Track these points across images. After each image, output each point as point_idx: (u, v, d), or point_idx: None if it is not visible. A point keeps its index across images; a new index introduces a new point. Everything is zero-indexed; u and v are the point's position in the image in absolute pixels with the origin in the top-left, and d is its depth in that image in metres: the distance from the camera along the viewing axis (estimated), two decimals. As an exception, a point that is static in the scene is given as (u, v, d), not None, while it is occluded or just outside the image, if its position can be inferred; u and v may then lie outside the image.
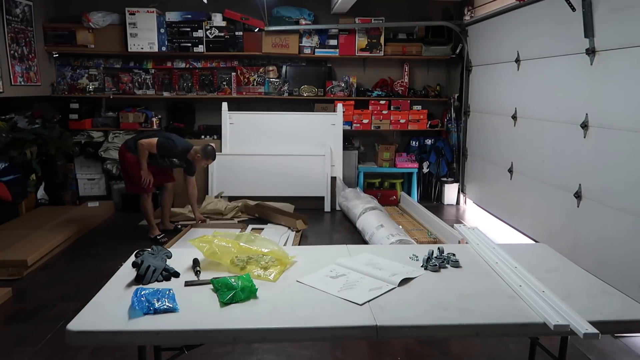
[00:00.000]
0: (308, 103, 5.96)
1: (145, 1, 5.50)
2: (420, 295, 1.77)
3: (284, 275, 1.94)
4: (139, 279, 1.83)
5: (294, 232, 4.62)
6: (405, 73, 6.06)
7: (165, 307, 1.60)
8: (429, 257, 2.05)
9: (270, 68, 5.91)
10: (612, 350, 2.70)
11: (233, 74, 5.88)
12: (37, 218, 4.75)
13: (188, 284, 1.83)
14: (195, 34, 5.61)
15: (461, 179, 5.97)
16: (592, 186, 3.32)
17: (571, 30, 3.42)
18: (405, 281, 1.86)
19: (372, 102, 5.92)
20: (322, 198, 5.60)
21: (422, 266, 2.03)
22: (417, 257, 2.12)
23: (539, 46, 3.99)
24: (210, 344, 2.46)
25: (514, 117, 4.45)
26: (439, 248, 2.14)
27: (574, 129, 3.46)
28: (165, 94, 5.86)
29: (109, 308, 1.64)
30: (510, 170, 4.56)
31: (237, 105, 5.91)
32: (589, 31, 3.22)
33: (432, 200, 6.19)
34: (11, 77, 4.87)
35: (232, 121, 5.67)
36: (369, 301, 1.69)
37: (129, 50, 5.49)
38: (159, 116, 5.84)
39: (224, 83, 5.91)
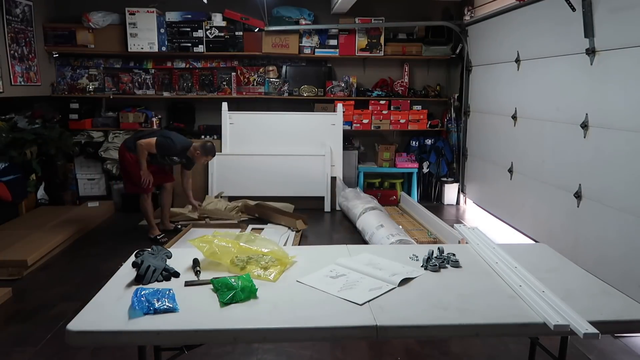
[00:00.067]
0: (308, 103, 5.96)
1: (145, 1, 5.50)
2: (420, 295, 1.76)
3: (284, 275, 1.94)
4: (139, 279, 1.83)
5: (294, 232, 4.62)
6: (405, 73, 6.06)
7: (165, 307, 1.60)
8: (429, 257, 2.05)
9: (270, 68, 5.91)
10: (612, 350, 2.70)
11: (233, 74, 5.88)
12: (37, 218, 4.75)
13: (188, 284, 1.83)
14: (195, 34, 5.61)
15: (461, 179, 5.97)
16: (592, 186, 3.32)
17: (571, 30, 3.42)
18: (405, 281, 1.86)
19: (372, 102, 5.92)
20: (322, 198, 5.60)
21: (422, 266, 2.03)
22: (417, 257, 2.12)
23: (539, 46, 3.99)
24: (210, 344, 2.46)
25: (514, 117, 4.45)
26: (439, 248, 2.14)
27: (574, 129, 3.46)
28: (165, 94, 5.86)
29: (109, 308, 1.64)
30: (510, 170, 4.56)
31: (237, 105, 5.91)
32: (589, 31, 3.23)
33: (432, 200, 6.19)
34: (11, 77, 4.87)
35: (232, 121, 5.67)
36: (369, 301, 1.69)
37: (129, 50, 5.50)
38: (159, 116, 5.85)
39: (224, 83, 5.91)
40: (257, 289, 1.73)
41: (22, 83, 5.07)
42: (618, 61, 3.05)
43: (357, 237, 4.59)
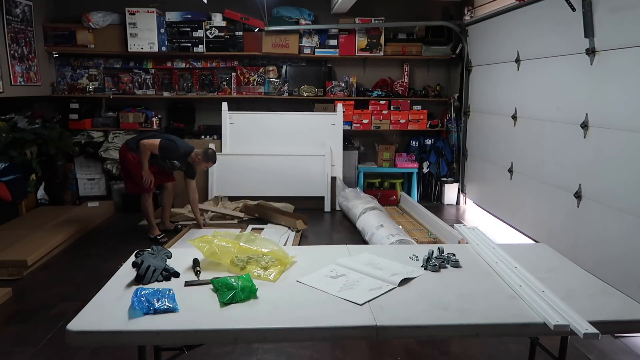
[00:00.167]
0: (308, 103, 5.96)
1: (145, 1, 5.50)
2: (420, 295, 1.76)
3: (284, 275, 1.94)
4: (139, 279, 1.83)
5: (294, 232, 4.62)
6: (405, 73, 6.06)
7: (165, 307, 1.60)
8: (429, 257, 2.05)
9: (270, 68, 5.91)
10: (612, 350, 2.70)
11: (233, 74, 5.88)
12: (37, 218, 4.75)
13: (188, 284, 1.83)
14: (195, 34, 5.61)
15: (461, 179, 5.97)
16: (592, 186, 3.32)
17: (571, 30, 3.42)
18: (405, 281, 1.86)
19: (372, 102, 5.92)
20: (322, 198, 5.60)
21: (422, 266, 2.03)
22: (417, 257, 2.12)
23: (539, 46, 3.99)
24: (210, 344, 2.46)
25: (514, 117, 4.45)
26: (439, 248, 2.14)
27: (574, 129, 3.46)
28: (165, 94, 5.86)
29: (109, 308, 1.64)
30: (510, 170, 4.56)
31: (237, 105, 5.91)
32: (589, 31, 3.23)
33: (432, 200, 6.19)
34: (11, 77, 4.87)
35: (232, 121, 5.67)
36: (369, 301, 1.69)
37: (129, 50, 5.50)
38: (159, 116, 5.85)
39: (224, 83, 5.91)
40: (257, 289, 1.73)
41: (22, 83, 5.07)
42: (618, 61, 3.05)
43: (357, 237, 4.59)
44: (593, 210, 3.30)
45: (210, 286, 1.78)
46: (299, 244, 4.32)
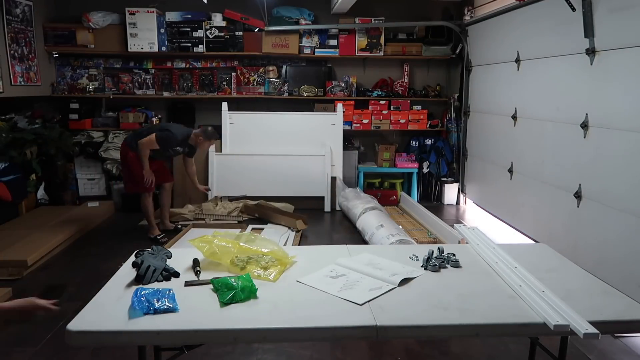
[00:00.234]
0: (308, 103, 5.96)
1: (145, 1, 5.50)
2: (420, 295, 1.76)
3: (284, 275, 1.94)
4: (139, 279, 1.83)
5: (294, 232, 4.62)
6: (405, 73, 6.06)
7: (165, 307, 1.60)
8: (429, 257, 2.05)
9: (270, 68, 5.91)
10: (612, 350, 2.70)
11: (233, 74, 5.88)
12: (37, 218, 4.75)
13: (188, 284, 1.83)
14: (195, 34, 5.61)
15: (461, 179, 5.97)
16: (592, 186, 3.32)
17: (571, 30, 3.42)
18: (405, 281, 1.86)
19: (372, 102, 5.92)
20: (322, 198, 5.60)
21: (422, 266, 2.03)
22: (417, 257, 2.12)
23: (539, 46, 3.99)
24: (210, 344, 2.46)
25: (514, 117, 4.45)
26: (439, 248, 2.14)
27: (574, 129, 3.46)
28: (165, 94, 5.86)
29: (109, 308, 1.64)
30: (510, 170, 4.56)
31: (237, 105, 5.91)
32: (589, 31, 3.22)
33: (432, 200, 6.19)
34: (11, 77, 4.87)
35: (232, 121, 5.67)
36: (369, 301, 1.69)
37: (129, 50, 5.50)
38: (159, 116, 5.85)
39: (224, 83, 5.91)
40: (257, 289, 1.73)
41: (22, 83, 5.07)
42: (618, 61, 3.05)
43: (357, 237, 4.59)
44: (593, 210, 3.30)
45: (210, 286, 1.78)
46: (299, 244, 4.32)
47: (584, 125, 3.35)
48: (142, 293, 1.64)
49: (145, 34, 5.49)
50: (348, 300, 1.70)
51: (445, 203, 6.04)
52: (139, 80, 5.84)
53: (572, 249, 3.43)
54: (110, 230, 4.89)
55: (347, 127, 5.87)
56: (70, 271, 3.78)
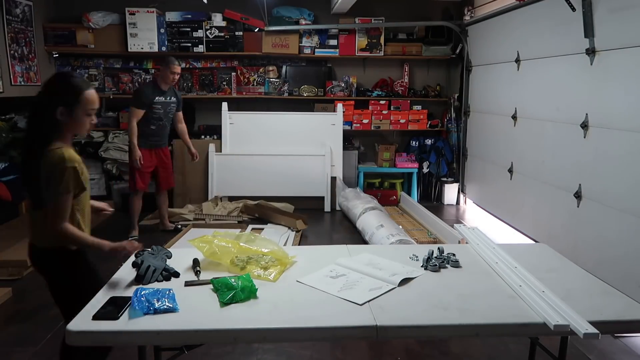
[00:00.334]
0: (308, 103, 5.96)
1: (145, 1, 5.50)
2: (420, 295, 1.76)
3: (284, 275, 1.94)
4: (139, 279, 1.83)
5: (294, 232, 4.62)
6: (405, 73, 6.06)
7: (165, 307, 1.60)
8: (429, 257, 2.05)
9: (270, 68, 5.91)
10: (612, 350, 2.70)
11: (233, 74, 5.88)
12: (37, 218, 4.75)
13: (188, 284, 1.83)
14: (195, 34, 5.61)
15: (461, 179, 5.98)
16: (592, 186, 3.32)
17: (571, 30, 3.42)
18: (405, 281, 1.86)
19: (372, 102, 5.92)
20: (322, 198, 5.60)
21: (422, 266, 2.03)
22: (417, 257, 2.12)
23: (539, 46, 3.99)
24: (210, 344, 2.46)
25: (514, 117, 4.45)
26: (439, 248, 2.14)
27: (574, 129, 3.46)
28: (165, 94, 5.86)
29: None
30: (510, 170, 4.56)
31: (237, 105, 5.91)
32: (589, 31, 3.23)
33: (432, 200, 6.19)
34: (11, 77, 4.87)
35: (232, 121, 5.67)
36: (369, 301, 1.69)
37: (129, 50, 5.50)
38: (159, 116, 5.84)
39: (224, 83, 5.91)
40: (257, 289, 1.73)
41: (22, 83, 5.07)
42: (618, 61, 3.05)
43: (357, 237, 4.59)
44: (593, 210, 3.30)
45: (210, 286, 1.78)
46: (299, 244, 4.32)
47: (584, 125, 3.35)
48: (142, 293, 1.64)
49: (145, 34, 5.49)
50: (348, 300, 1.70)
51: (445, 203, 6.04)
52: (139, 80, 5.84)
53: (572, 249, 3.43)
54: (110, 230, 4.87)
55: (347, 127, 5.87)
56: (70, 271, 3.78)
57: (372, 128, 5.95)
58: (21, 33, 5.05)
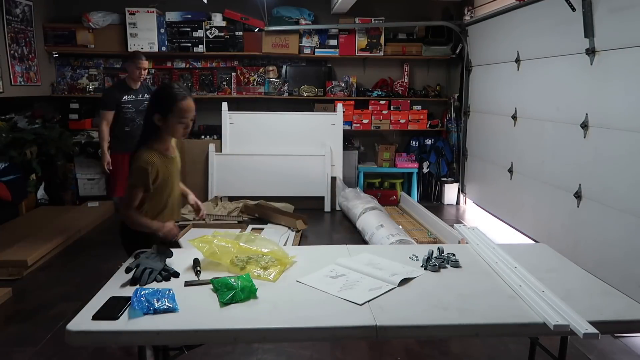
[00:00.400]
0: (308, 103, 5.96)
1: (145, 1, 5.50)
2: (420, 295, 1.76)
3: (284, 275, 1.94)
4: (134, 282, 1.82)
5: (294, 232, 4.62)
6: (405, 73, 6.06)
7: (165, 307, 1.60)
8: (429, 257, 2.05)
9: (270, 68, 5.92)
10: (612, 350, 2.70)
11: (233, 74, 5.88)
12: (37, 218, 4.75)
13: (188, 284, 1.83)
14: (195, 34, 5.61)
15: (461, 179, 5.97)
16: (592, 186, 3.32)
17: (571, 30, 3.42)
18: (405, 281, 1.86)
19: (372, 102, 5.92)
20: (322, 198, 5.60)
21: (422, 266, 2.03)
22: (417, 257, 2.12)
23: (539, 46, 3.99)
24: (210, 344, 2.46)
25: (514, 117, 4.45)
26: (439, 248, 2.14)
27: (574, 129, 3.46)
28: (165, 94, 5.85)
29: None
30: (510, 170, 4.56)
31: (237, 105, 5.91)
32: (589, 31, 3.23)
33: (432, 200, 6.19)
34: (11, 77, 4.87)
35: (232, 121, 5.67)
36: (368, 301, 1.69)
37: (129, 50, 5.49)
38: (159, 116, 5.84)
39: (224, 83, 5.92)
40: (257, 289, 1.73)
41: (22, 83, 5.07)
42: (618, 61, 3.05)
43: (357, 237, 4.59)
44: (593, 210, 3.30)
45: (210, 286, 1.78)
46: (299, 244, 4.32)
47: (584, 125, 3.35)
48: (142, 293, 1.64)
49: (145, 34, 5.49)
50: (348, 300, 1.70)
51: (445, 203, 6.04)
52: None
53: (572, 249, 3.43)
54: (110, 231, 4.88)
55: (347, 127, 5.87)
56: (70, 271, 3.78)
57: (372, 128, 5.95)
58: (21, 33, 5.05)
